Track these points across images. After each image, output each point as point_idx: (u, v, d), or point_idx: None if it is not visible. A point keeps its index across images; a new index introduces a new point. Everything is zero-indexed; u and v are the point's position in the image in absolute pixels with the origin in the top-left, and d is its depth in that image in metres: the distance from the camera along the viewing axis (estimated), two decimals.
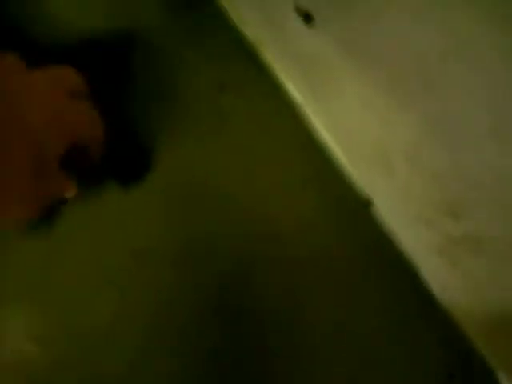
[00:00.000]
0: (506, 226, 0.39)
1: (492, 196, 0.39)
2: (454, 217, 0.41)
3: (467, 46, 0.38)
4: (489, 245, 0.40)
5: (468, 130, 0.39)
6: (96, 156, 0.38)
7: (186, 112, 0.45)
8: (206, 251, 0.43)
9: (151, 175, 0.44)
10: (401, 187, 0.43)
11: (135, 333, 0.41)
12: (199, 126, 0.45)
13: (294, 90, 0.44)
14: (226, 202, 0.44)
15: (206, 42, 0.46)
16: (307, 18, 0.40)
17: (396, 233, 0.44)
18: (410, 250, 0.43)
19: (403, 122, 0.41)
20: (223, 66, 0.46)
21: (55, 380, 0.41)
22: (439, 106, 0.39)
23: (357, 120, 0.43)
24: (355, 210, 0.44)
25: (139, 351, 0.41)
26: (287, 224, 0.44)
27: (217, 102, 0.45)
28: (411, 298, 0.44)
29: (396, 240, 0.44)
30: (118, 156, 0.42)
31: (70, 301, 0.41)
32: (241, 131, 0.45)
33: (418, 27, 0.40)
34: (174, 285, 0.42)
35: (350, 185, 0.44)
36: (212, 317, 0.42)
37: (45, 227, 0.42)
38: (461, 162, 0.40)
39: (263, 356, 0.42)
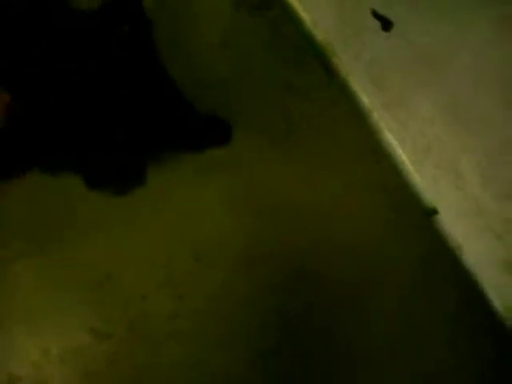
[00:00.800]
0: None
1: None
2: None
3: None
4: None
5: None
6: None
7: (252, 110, 0.45)
8: (268, 254, 0.43)
9: (214, 173, 0.43)
10: (469, 199, 0.42)
11: (195, 333, 0.41)
12: (265, 127, 0.45)
13: (363, 94, 0.44)
14: (289, 208, 0.44)
15: (275, 43, 0.45)
16: (386, 23, 0.40)
17: (460, 244, 0.43)
18: (474, 263, 0.43)
19: (479, 134, 0.40)
20: (292, 67, 0.45)
21: (110, 372, 0.40)
22: None
23: (427, 128, 0.42)
24: (419, 219, 0.44)
25: (201, 351, 0.40)
26: (350, 232, 0.44)
27: (283, 103, 0.45)
28: (472, 311, 0.43)
29: (460, 251, 0.43)
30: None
31: (130, 296, 0.41)
32: (306, 136, 0.45)
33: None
34: (235, 284, 0.42)
35: (415, 193, 0.44)
36: (274, 318, 0.41)
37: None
38: None
39: (325, 359, 0.41)
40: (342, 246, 0.44)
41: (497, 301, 0.43)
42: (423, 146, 0.43)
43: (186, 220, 0.43)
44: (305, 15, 0.45)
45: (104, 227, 0.42)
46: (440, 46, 0.41)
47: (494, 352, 0.44)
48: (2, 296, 0.41)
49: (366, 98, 0.44)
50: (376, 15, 0.40)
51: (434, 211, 0.43)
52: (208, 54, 0.45)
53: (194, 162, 0.44)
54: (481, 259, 0.43)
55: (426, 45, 0.41)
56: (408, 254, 0.44)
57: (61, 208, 0.43)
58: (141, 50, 0.39)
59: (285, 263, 0.43)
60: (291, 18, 0.45)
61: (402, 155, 0.43)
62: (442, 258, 0.44)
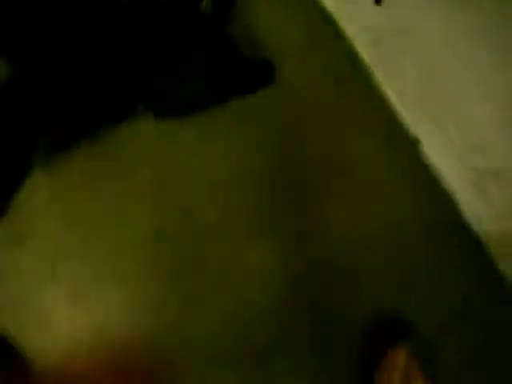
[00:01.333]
0: None
1: None
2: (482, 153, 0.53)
3: None
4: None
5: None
6: None
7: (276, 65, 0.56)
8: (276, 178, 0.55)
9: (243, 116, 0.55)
10: (442, 130, 0.54)
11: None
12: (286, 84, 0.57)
13: (363, 52, 0.56)
14: (299, 146, 0.56)
15: (293, 9, 0.57)
16: None
17: (439, 168, 0.55)
18: (451, 183, 0.55)
19: (450, 84, 0.53)
20: (307, 29, 0.57)
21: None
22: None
23: (414, 77, 0.55)
24: (406, 148, 0.56)
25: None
26: (352, 160, 0.56)
27: (302, 55, 0.57)
28: (449, 226, 0.55)
29: (439, 174, 0.55)
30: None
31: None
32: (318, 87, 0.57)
33: None
34: (262, 211, 0.54)
35: (403, 127, 0.56)
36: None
37: None
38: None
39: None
40: (343, 168, 0.55)
41: (468, 212, 0.55)
42: (407, 92, 0.55)
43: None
44: None
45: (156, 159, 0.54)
46: (416, 16, 0.53)
47: (464, 260, 0.55)
48: None
49: (365, 55, 0.56)
50: None
51: (418, 141, 0.55)
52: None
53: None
54: (454, 179, 0.55)
55: (405, 16, 0.54)
56: (396, 177, 0.56)
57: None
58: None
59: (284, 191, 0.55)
60: None
61: (393, 99, 0.56)
62: (425, 180, 0.56)
